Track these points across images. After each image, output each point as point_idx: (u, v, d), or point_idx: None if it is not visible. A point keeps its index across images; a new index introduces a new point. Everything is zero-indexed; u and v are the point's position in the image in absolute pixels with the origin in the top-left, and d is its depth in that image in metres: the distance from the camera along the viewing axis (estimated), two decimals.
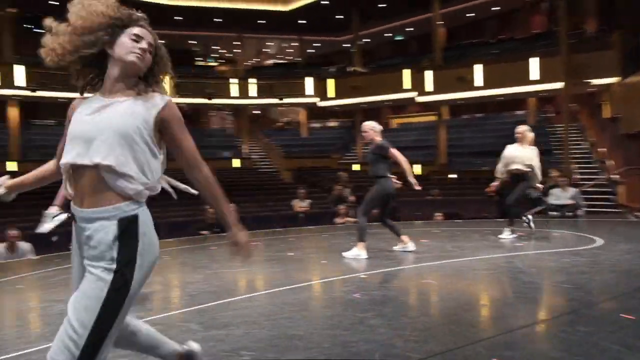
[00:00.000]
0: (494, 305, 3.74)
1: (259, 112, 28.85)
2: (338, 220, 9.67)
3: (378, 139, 5.69)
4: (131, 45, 1.83)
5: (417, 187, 5.56)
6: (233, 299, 3.96)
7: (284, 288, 4.15)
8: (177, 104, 1.97)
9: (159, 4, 21.79)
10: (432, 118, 22.18)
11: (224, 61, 29.93)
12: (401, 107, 24.97)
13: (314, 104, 22.58)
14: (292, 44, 27.92)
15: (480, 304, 3.77)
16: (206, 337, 3.02)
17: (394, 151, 5.59)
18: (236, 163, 21.90)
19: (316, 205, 11.73)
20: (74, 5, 1.82)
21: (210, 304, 3.77)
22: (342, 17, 23.39)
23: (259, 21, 23.60)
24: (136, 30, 1.87)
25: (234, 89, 22.30)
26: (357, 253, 5.49)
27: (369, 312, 3.43)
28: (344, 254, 5.56)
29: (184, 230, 9.11)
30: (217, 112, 29.81)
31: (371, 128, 5.73)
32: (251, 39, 26.28)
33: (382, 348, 2.75)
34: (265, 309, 3.70)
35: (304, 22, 23.86)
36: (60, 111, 20.65)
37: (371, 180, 5.63)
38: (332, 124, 27.70)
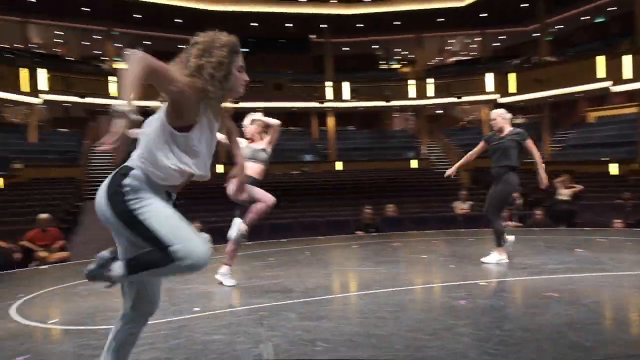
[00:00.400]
0: (613, 328, 3.32)
1: (441, 111, 28.40)
2: None
3: (508, 127, 5.43)
4: (241, 78, 2.16)
5: (545, 184, 5.18)
6: (342, 295, 4.24)
7: (395, 289, 4.27)
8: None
9: (341, 14, 23.13)
10: (635, 110, 19.15)
11: (406, 62, 30.21)
12: (600, 98, 22.07)
13: (494, 100, 21.38)
14: (475, 39, 26.82)
15: (596, 325, 3.37)
16: (297, 326, 3.36)
17: (529, 141, 5.35)
18: (414, 164, 21.99)
19: (480, 207, 11.24)
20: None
21: (318, 298, 4.11)
22: (527, 4, 21.68)
23: (438, 20, 23.30)
24: (241, 61, 2.17)
25: (412, 90, 22.42)
26: (499, 258, 5.28)
27: (463, 320, 3.39)
28: (483, 259, 5.38)
29: (343, 228, 9.65)
30: (400, 113, 30.23)
31: (500, 115, 5.49)
32: (431, 38, 26.05)
33: (452, 356, 2.74)
34: (365, 307, 3.90)
35: (485, 15, 22.76)
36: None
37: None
38: (518, 120, 25.82)
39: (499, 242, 5.32)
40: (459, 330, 3.20)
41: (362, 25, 24.18)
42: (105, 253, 2.02)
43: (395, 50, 29.93)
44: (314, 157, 23.75)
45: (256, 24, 24.81)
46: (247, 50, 29.19)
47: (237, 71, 2.14)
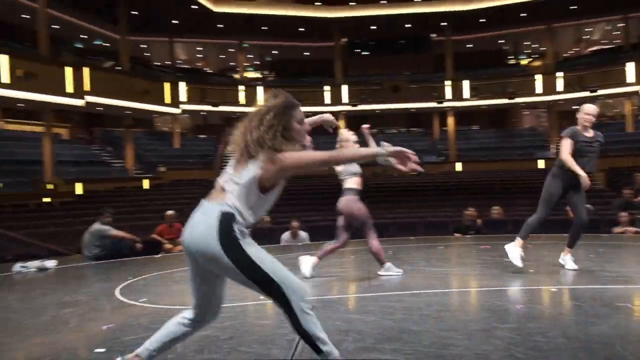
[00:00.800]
0: None
1: (577, 107, 26.02)
2: (617, 229, 8.35)
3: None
4: (302, 131, 2.33)
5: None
6: (397, 292, 4.34)
7: (453, 290, 4.27)
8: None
9: (461, 11, 22.42)
10: None
11: (536, 56, 28.27)
12: None
13: (636, 93, 19.10)
14: (618, 25, 24.14)
15: None
16: (340, 317, 3.59)
17: None
18: (541, 164, 20.55)
19: (603, 210, 10.25)
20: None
21: (376, 294, 4.28)
22: None
23: (570, 7, 21.47)
24: (300, 114, 2.34)
25: (539, 86, 20.97)
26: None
27: (509, 324, 3.33)
28: (570, 266, 5.10)
29: (442, 229, 9.52)
30: (530, 110, 28.39)
31: (595, 112, 5.06)
32: (565, 27, 24.05)
33: (474, 357, 2.77)
34: (417, 305, 3.97)
35: None
36: (381, 121, 23.76)
37: None
38: None
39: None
40: (497, 333, 3.16)
41: (484, 20, 23.19)
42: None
43: (524, 43, 28.16)
44: (435, 158, 23.35)
45: (375, 27, 25.09)
46: (367, 53, 29.64)
47: (297, 124, 2.30)
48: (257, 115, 2.26)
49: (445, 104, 22.66)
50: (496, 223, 9.48)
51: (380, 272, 5.03)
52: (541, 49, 27.30)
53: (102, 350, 3.10)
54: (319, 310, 3.80)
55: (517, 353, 2.80)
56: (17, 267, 6.17)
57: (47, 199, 14.22)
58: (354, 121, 28.21)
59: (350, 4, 23.64)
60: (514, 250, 4.89)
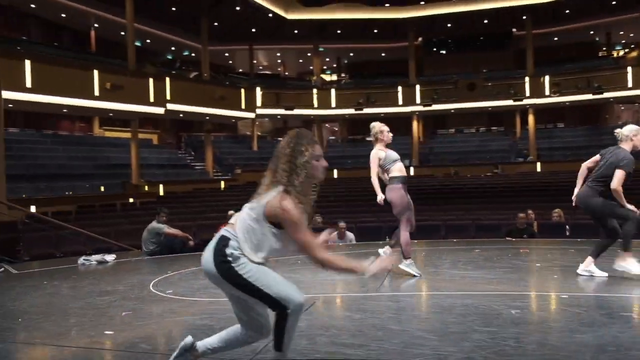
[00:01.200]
0: None
1: None
2: None
3: None
4: (320, 167, 2.42)
5: None
6: (402, 293, 4.40)
7: (462, 292, 4.23)
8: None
9: (544, 3, 21.27)
10: None
11: (633, 46, 26.04)
12: None
13: None
14: None
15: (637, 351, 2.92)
16: (333, 315, 3.76)
17: None
18: None
19: None
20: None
21: (379, 294, 4.38)
22: None
23: None
24: (318, 151, 2.43)
25: (630, 79, 19.35)
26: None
27: (490, 328, 3.30)
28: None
29: (495, 232, 9.23)
30: (627, 106, 26.21)
31: None
32: None
33: (432, 356, 2.82)
34: (411, 306, 4.03)
35: None
36: (459, 120, 23.25)
37: None
38: None
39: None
40: (473, 336, 3.15)
41: (568, 11, 21.82)
42: (188, 340, 2.49)
43: (620, 33, 26.05)
44: (513, 159, 22.38)
45: (450, 25, 24.52)
46: (444, 52, 28.97)
47: (315, 160, 2.39)
48: (283, 148, 2.40)
49: (525, 102, 21.59)
50: (556, 227, 9.02)
51: (400, 265, 5.04)
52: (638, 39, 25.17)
53: (111, 332, 3.55)
54: (317, 307, 4.00)
55: (478, 356, 2.82)
56: (81, 260, 6.94)
57: (131, 200, 15.59)
58: (430, 121, 27.77)
59: (420, 3, 23.31)
60: (628, 262, 4.62)
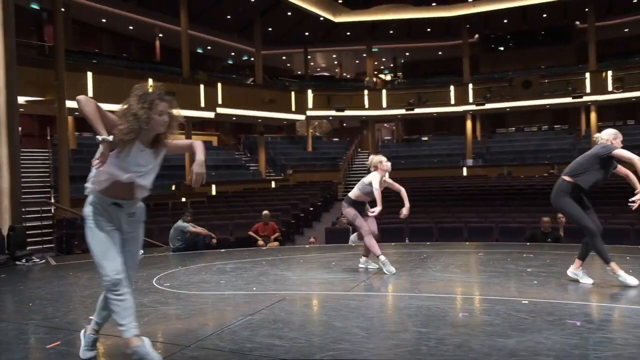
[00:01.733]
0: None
1: None
2: None
3: None
4: (161, 120, 2.96)
5: None
6: (378, 293, 4.60)
7: (432, 295, 4.37)
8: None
9: None
10: None
11: None
12: None
13: None
14: None
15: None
16: (296, 311, 4.04)
17: None
18: None
19: None
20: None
21: (367, 293, 4.61)
22: None
23: None
24: (161, 107, 2.94)
25: None
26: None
27: (424, 329, 3.45)
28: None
29: (517, 235, 9.05)
30: None
31: None
32: None
33: (342, 351, 3.06)
34: (374, 307, 4.23)
35: None
36: (518, 119, 22.61)
37: None
38: None
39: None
40: (400, 335, 3.33)
41: (635, 1, 20.49)
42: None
43: None
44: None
45: (506, 21, 23.77)
46: (502, 48, 28.04)
47: (158, 115, 2.90)
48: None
49: (585, 98, 20.53)
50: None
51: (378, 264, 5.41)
52: None
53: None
54: (283, 302, 4.30)
55: (390, 354, 3.00)
56: None
57: (183, 199, 16.58)
58: (488, 119, 26.99)
59: (469, 0, 22.77)
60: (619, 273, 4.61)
